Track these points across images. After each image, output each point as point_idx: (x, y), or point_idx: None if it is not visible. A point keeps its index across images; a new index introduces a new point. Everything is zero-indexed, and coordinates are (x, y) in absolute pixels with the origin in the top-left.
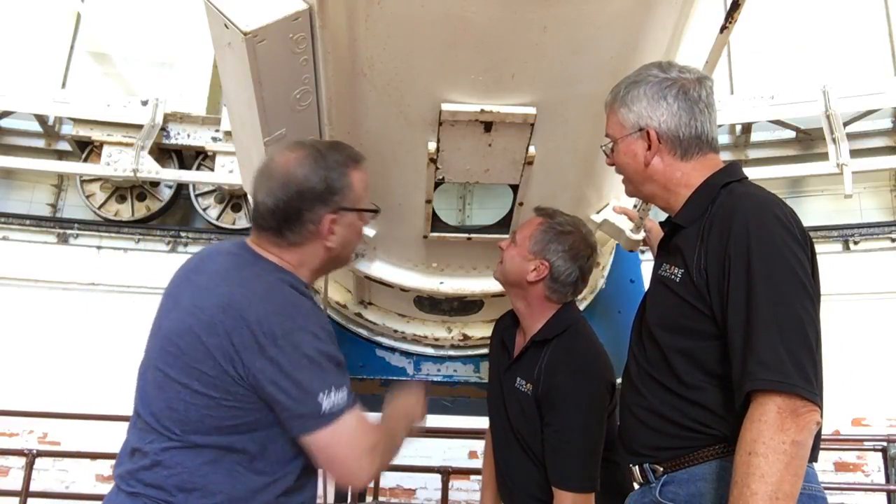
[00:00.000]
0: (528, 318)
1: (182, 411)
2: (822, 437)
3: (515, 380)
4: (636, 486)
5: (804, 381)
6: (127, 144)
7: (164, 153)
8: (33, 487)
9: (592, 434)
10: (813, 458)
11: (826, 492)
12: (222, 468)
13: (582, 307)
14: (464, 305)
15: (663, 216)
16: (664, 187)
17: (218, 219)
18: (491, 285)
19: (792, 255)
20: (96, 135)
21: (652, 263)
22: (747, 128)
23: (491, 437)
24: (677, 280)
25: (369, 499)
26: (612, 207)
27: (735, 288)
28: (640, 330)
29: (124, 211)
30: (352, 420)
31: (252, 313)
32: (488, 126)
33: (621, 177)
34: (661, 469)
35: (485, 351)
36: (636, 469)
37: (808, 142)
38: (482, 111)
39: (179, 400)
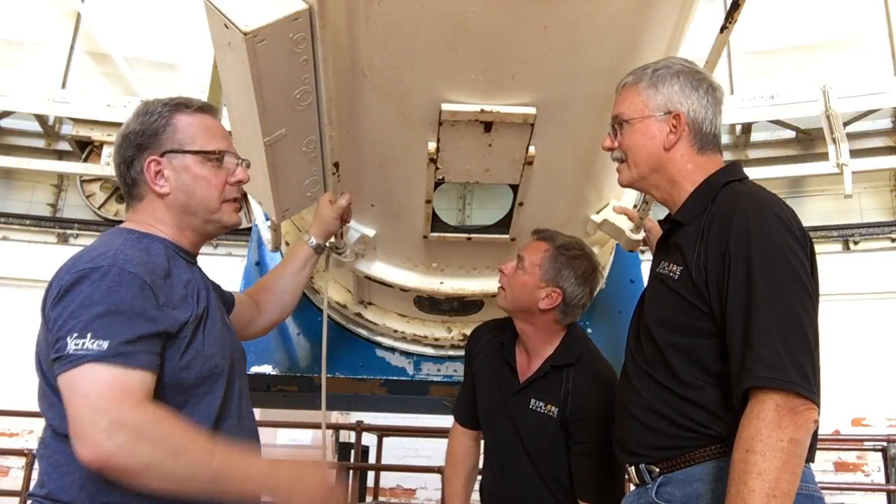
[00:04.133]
0: (535, 340)
1: None
2: (822, 437)
3: (529, 401)
4: (632, 486)
5: (803, 380)
6: None
7: None
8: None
9: None
10: (810, 458)
11: (826, 492)
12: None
13: None
14: (464, 305)
15: (662, 216)
16: (671, 179)
17: None
18: (491, 285)
19: (792, 254)
20: (96, 135)
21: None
22: (747, 128)
23: (462, 451)
24: (676, 277)
25: (369, 499)
26: (612, 207)
27: (735, 285)
28: (638, 328)
29: (124, 211)
30: (102, 372)
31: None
32: (488, 126)
33: (617, 165)
34: (658, 470)
35: None
36: (632, 469)
37: (808, 142)
38: (482, 111)
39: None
